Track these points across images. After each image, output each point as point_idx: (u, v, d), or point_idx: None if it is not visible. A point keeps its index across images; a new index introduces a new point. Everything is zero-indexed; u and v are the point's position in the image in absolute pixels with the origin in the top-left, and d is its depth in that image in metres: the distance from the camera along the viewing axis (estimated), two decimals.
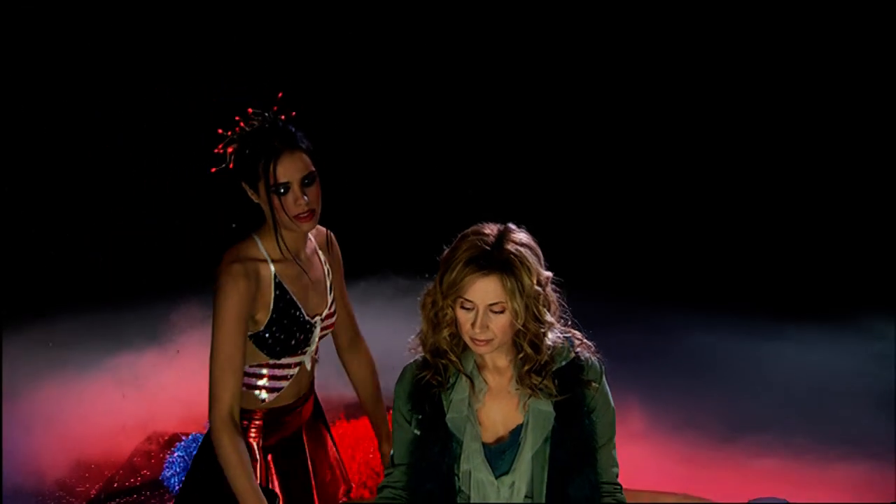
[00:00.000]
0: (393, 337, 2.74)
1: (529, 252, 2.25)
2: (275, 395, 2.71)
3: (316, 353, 2.82)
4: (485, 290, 2.21)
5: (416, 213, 6.90)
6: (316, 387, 2.89)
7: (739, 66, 7.12)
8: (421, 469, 2.33)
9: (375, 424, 2.99)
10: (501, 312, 2.22)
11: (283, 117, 2.65)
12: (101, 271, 6.04)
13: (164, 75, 7.18)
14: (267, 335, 2.65)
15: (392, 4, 7.51)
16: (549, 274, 2.30)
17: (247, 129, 2.64)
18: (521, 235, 2.28)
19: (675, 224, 7.04)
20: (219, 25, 7.27)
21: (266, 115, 2.66)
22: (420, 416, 2.34)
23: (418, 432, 2.35)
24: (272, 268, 2.64)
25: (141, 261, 6.53)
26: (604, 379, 2.37)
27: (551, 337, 2.31)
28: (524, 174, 7.34)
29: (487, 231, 2.27)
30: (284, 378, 2.72)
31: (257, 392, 2.70)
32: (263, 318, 2.63)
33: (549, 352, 2.30)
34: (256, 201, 2.61)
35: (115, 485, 3.63)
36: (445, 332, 2.30)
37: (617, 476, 2.38)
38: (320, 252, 2.80)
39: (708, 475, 3.75)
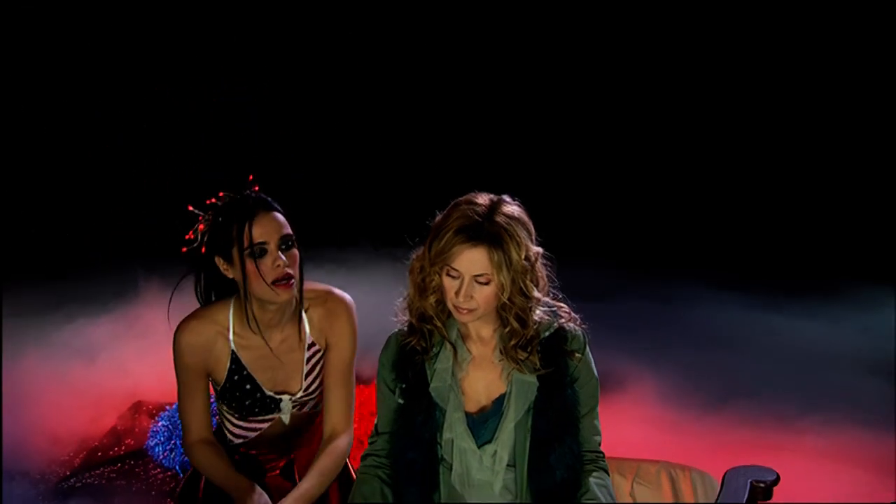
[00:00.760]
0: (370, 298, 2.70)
1: (520, 226, 2.23)
2: (241, 441, 2.65)
3: (308, 407, 2.66)
4: (471, 260, 2.19)
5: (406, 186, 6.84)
6: None
7: (745, 41, 7.10)
8: (404, 437, 2.32)
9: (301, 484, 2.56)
10: (487, 284, 2.21)
11: (256, 188, 2.52)
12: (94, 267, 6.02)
13: (164, 75, 7.21)
14: (225, 398, 2.59)
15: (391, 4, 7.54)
16: (539, 249, 2.28)
17: (219, 203, 2.51)
18: (514, 208, 2.25)
19: (687, 199, 7.04)
20: (219, 25, 7.29)
21: (238, 190, 2.52)
22: (404, 385, 2.33)
23: (402, 401, 2.34)
24: (231, 339, 2.54)
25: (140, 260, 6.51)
26: (587, 349, 2.36)
27: (538, 312, 2.29)
28: (535, 149, 7.35)
29: (480, 201, 2.24)
30: (252, 430, 2.64)
31: (227, 433, 2.65)
32: (220, 380, 2.57)
33: (535, 326, 2.28)
34: (230, 277, 2.48)
35: (100, 454, 3.63)
36: (431, 298, 2.28)
37: (599, 444, 2.37)
38: (309, 332, 2.60)
39: (694, 443, 3.74)
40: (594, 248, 6.35)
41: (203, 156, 7.11)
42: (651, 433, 3.86)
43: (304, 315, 2.58)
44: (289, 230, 2.45)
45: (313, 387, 2.61)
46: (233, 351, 2.53)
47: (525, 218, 2.26)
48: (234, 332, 2.53)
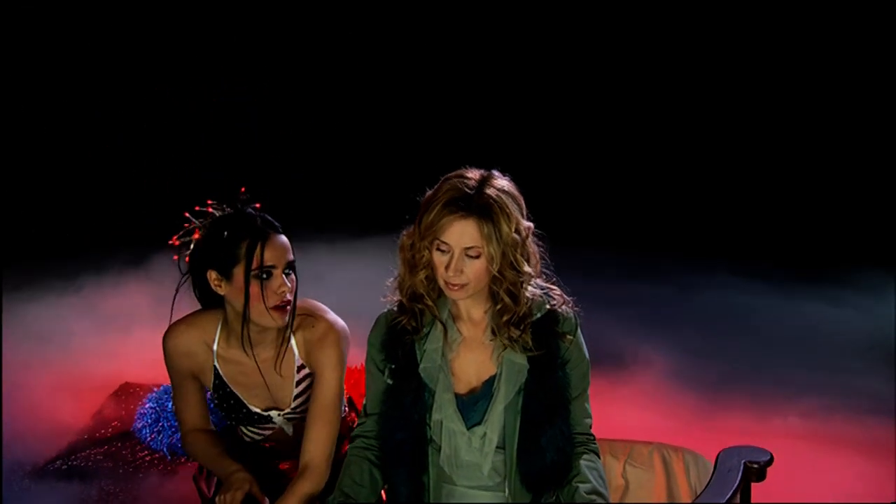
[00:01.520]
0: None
1: (510, 199, 2.20)
2: (251, 440, 2.62)
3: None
4: (461, 232, 2.16)
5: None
6: None
7: (762, 34, 7.10)
8: (393, 418, 2.29)
9: None
10: (477, 258, 2.18)
11: (258, 205, 2.44)
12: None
13: (164, 75, 7.21)
14: (219, 407, 2.56)
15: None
16: (530, 225, 2.25)
17: (216, 213, 2.42)
18: (504, 182, 2.23)
19: (708, 186, 7.02)
20: (219, 25, 7.30)
21: (236, 203, 2.43)
22: (393, 366, 2.30)
23: (391, 382, 2.31)
24: (215, 352, 2.49)
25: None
26: (579, 332, 2.33)
27: (530, 290, 2.27)
28: (558, 134, 7.36)
29: (470, 175, 2.22)
30: (257, 433, 2.62)
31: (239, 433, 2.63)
32: (208, 387, 2.53)
33: (527, 304, 2.26)
34: (221, 293, 2.39)
35: (86, 436, 3.62)
36: (422, 275, 2.25)
37: (590, 427, 2.35)
38: (297, 354, 2.51)
39: (695, 426, 3.73)
40: (612, 234, 6.39)
41: (203, 156, 7.11)
42: (653, 416, 3.84)
43: (292, 337, 2.49)
44: (292, 256, 2.39)
45: (304, 406, 2.53)
46: (215, 366, 2.49)
47: (515, 192, 2.24)
48: (218, 346, 2.48)
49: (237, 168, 6.95)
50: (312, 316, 2.48)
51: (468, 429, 2.28)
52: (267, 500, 2.36)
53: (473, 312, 2.31)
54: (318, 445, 2.40)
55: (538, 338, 2.26)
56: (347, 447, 2.39)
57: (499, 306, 2.25)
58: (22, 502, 3.36)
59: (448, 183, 2.20)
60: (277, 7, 7.46)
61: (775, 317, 5.18)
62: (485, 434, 2.27)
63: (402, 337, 2.30)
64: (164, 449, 3.22)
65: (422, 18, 7.52)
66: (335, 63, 7.66)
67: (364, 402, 2.40)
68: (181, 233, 2.43)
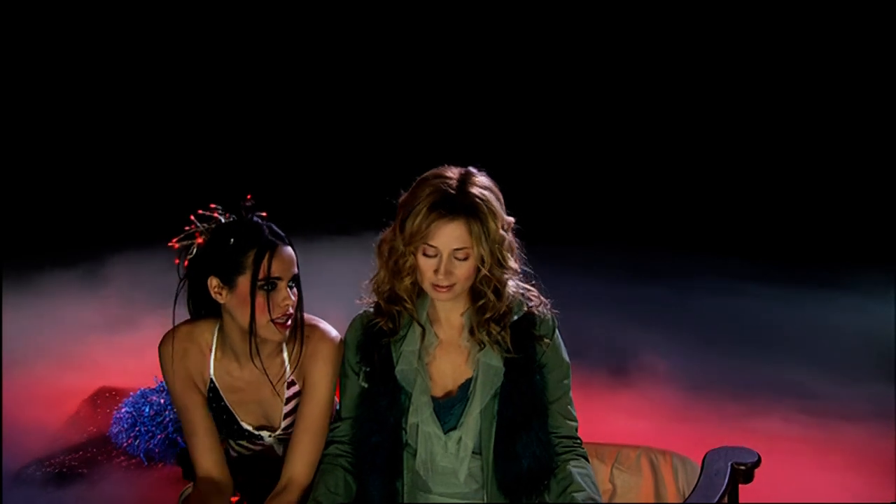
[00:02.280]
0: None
1: (493, 196, 2.17)
2: (238, 455, 2.54)
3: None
4: (450, 235, 2.12)
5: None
6: None
7: (763, 35, 7.07)
8: (368, 421, 2.24)
9: None
10: (465, 259, 2.14)
11: (264, 214, 2.35)
12: None
13: (164, 75, 7.21)
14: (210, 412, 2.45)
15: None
16: (512, 219, 2.22)
17: (221, 219, 2.34)
18: (483, 179, 2.19)
19: (707, 185, 7.00)
20: (219, 25, 7.30)
21: (240, 210, 2.34)
22: (368, 370, 2.26)
23: (366, 385, 2.26)
24: (211, 363, 2.40)
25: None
26: (557, 334, 2.29)
27: (511, 285, 2.23)
28: (564, 133, 7.34)
29: (449, 174, 2.16)
30: (246, 448, 2.53)
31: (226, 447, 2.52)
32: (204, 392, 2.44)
33: (508, 301, 2.22)
34: (221, 301, 2.30)
35: (62, 442, 3.56)
36: (407, 281, 2.20)
37: (576, 430, 2.28)
38: (288, 368, 2.41)
39: (689, 430, 3.70)
40: (612, 234, 6.34)
41: (203, 156, 7.11)
42: (647, 418, 3.81)
43: (283, 349, 2.40)
44: (297, 269, 2.31)
45: (290, 429, 2.43)
46: (211, 378, 2.40)
47: (495, 188, 2.20)
48: (215, 357, 2.40)
49: (237, 168, 6.92)
50: (307, 326, 2.39)
51: (444, 433, 2.23)
52: None
53: (451, 315, 2.27)
54: (303, 460, 2.31)
55: (515, 340, 2.22)
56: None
57: (481, 303, 2.21)
58: None
59: (428, 184, 2.15)
60: (277, 7, 7.45)
61: (775, 317, 5.15)
62: (460, 438, 2.22)
63: (379, 339, 2.26)
64: (141, 454, 3.16)
65: (410, 18, 7.50)
66: (334, 62, 7.64)
67: (338, 405, 2.36)
68: (181, 236, 2.34)
